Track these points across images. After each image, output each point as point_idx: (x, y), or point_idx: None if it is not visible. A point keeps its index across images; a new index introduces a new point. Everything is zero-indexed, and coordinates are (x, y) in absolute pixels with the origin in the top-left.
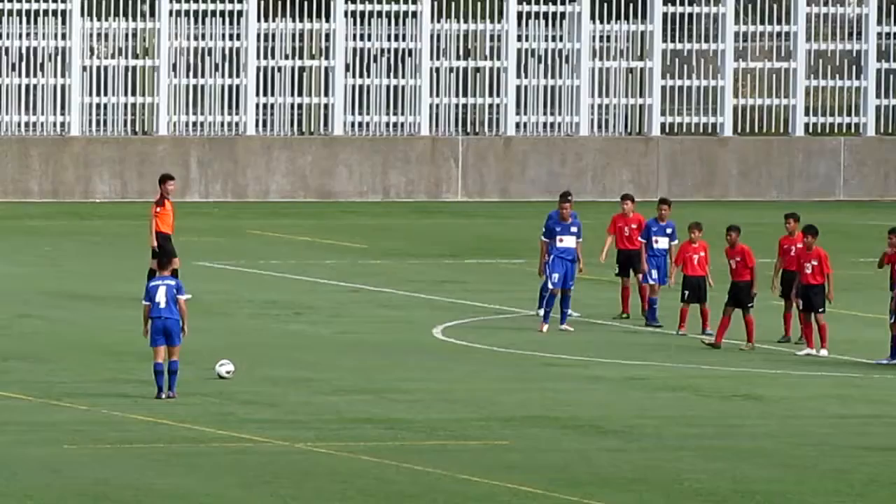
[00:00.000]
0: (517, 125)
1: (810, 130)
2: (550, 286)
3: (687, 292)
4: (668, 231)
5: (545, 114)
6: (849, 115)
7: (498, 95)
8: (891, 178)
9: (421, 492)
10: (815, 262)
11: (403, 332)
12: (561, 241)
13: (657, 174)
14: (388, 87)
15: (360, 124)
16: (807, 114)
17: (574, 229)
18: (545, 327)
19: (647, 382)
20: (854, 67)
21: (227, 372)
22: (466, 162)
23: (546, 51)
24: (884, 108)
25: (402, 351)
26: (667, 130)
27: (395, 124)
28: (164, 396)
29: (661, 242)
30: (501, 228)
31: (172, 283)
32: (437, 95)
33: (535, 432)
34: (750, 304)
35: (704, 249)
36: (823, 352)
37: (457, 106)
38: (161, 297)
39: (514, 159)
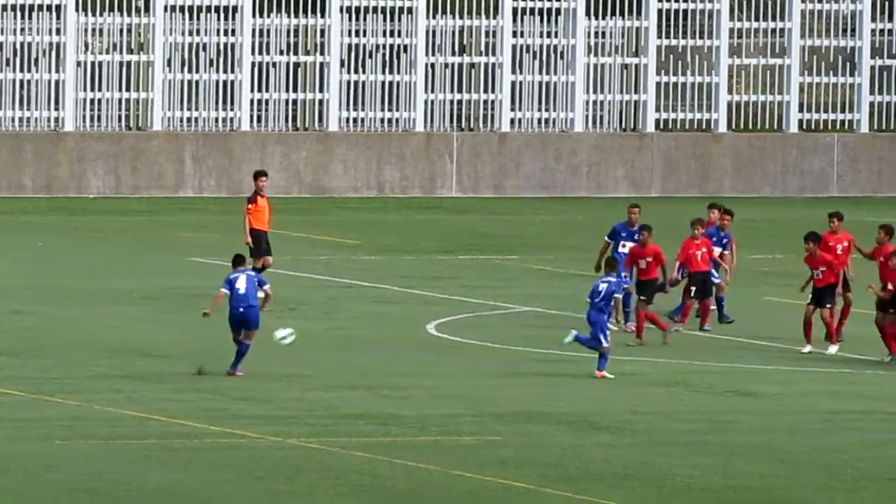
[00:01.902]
0: (512, 121)
1: (804, 127)
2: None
3: (693, 288)
4: (724, 241)
5: (540, 110)
6: (843, 111)
7: (493, 91)
8: (884, 174)
9: (413, 487)
10: (823, 268)
11: (397, 328)
12: (623, 246)
13: (651, 170)
14: (382, 83)
15: (355, 120)
16: (801, 110)
17: (637, 236)
18: (632, 326)
19: (639, 378)
20: (848, 64)
21: (282, 338)
22: (461, 158)
23: (541, 47)
24: (877, 105)
25: (395, 347)
26: (661, 126)
27: (389, 120)
28: (235, 372)
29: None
30: (496, 224)
31: (253, 273)
32: (432, 91)
33: (527, 428)
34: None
35: (706, 245)
36: (832, 349)
37: (451, 102)
38: (242, 284)
39: (508, 155)
